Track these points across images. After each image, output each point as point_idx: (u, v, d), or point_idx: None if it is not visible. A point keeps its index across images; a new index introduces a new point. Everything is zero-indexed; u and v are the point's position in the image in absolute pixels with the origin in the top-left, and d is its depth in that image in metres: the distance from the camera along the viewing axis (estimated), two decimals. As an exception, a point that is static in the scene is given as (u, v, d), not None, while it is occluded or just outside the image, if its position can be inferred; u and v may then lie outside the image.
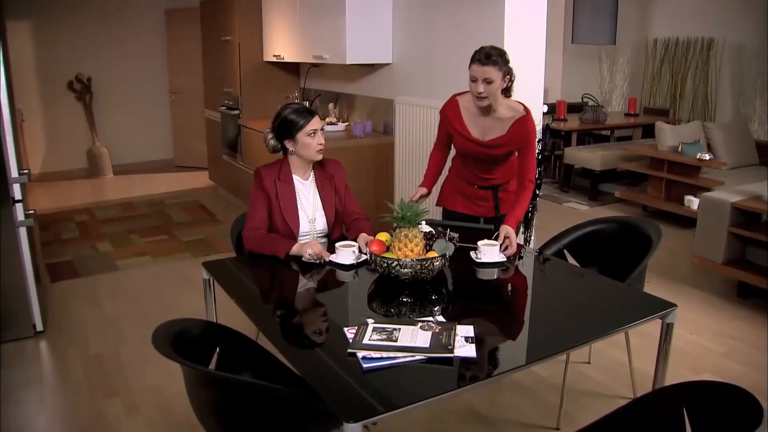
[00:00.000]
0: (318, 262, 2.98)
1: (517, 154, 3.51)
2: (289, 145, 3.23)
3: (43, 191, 8.44)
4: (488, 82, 3.24)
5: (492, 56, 3.23)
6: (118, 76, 9.45)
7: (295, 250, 3.02)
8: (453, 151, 3.77)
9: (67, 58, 9.05)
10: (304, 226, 3.24)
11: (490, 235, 3.19)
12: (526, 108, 3.44)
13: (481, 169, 3.58)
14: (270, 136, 3.28)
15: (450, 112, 3.55)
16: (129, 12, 9.35)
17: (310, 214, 3.27)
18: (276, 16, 6.68)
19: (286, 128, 3.19)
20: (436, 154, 3.75)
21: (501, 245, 3.10)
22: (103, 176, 9.38)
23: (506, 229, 3.18)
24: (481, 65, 3.23)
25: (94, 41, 9.18)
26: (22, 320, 4.15)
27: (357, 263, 2.95)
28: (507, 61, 3.31)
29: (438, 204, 3.82)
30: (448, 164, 3.81)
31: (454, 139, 3.58)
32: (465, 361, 2.07)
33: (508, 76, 3.33)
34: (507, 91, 3.43)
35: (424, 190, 3.63)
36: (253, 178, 3.28)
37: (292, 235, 3.21)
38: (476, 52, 3.27)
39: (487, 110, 3.40)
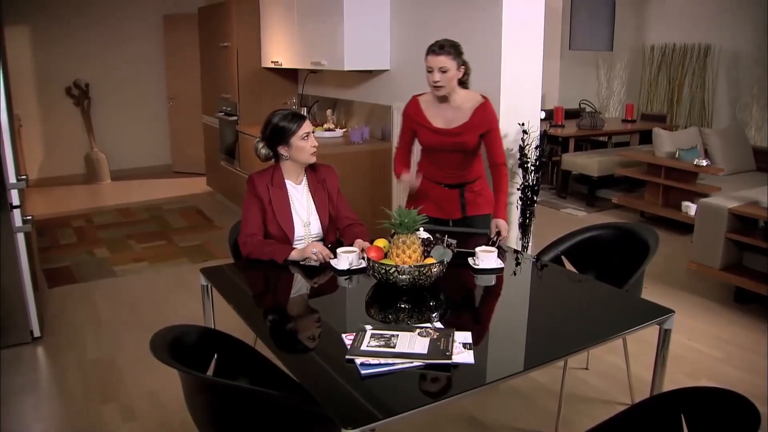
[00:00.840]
0: (322, 262, 3.01)
1: (484, 143, 3.64)
2: (283, 150, 3.23)
3: (40, 197, 8.44)
4: (443, 71, 3.43)
5: (445, 47, 3.43)
6: (116, 82, 9.46)
7: (294, 255, 3.03)
8: (419, 156, 3.86)
9: (65, 63, 9.06)
10: (299, 231, 3.25)
11: (487, 240, 3.21)
12: (484, 96, 3.62)
13: (450, 165, 3.67)
14: (261, 144, 3.28)
15: (412, 111, 3.70)
16: (127, 18, 9.36)
17: (305, 218, 3.28)
18: (274, 22, 6.69)
19: (279, 135, 3.20)
20: (401, 151, 3.82)
21: (496, 239, 3.32)
22: (101, 182, 9.38)
23: (500, 224, 3.50)
24: (435, 55, 3.43)
25: (92, 47, 9.18)
26: (19, 326, 4.14)
27: (353, 269, 2.95)
28: (461, 53, 3.50)
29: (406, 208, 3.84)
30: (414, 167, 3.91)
31: (421, 136, 3.68)
32: (463, 367, 2.07)
33: (462, 67, 3.53)
34: (464, 84, 3.61)
35: (407, 176, 3.68)
36: (246, 185, 3.29)
37: (288, 240, 3.21)
38: (431, 44, 3.48)
39: (445, 99, 3.57)
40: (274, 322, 2.59)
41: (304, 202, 3.31)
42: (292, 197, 3.29)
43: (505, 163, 3.67)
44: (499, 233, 3.44)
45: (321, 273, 2.98)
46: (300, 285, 2.97)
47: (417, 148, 3.82)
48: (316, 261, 3.01)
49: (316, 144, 3.26)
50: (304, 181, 3.35)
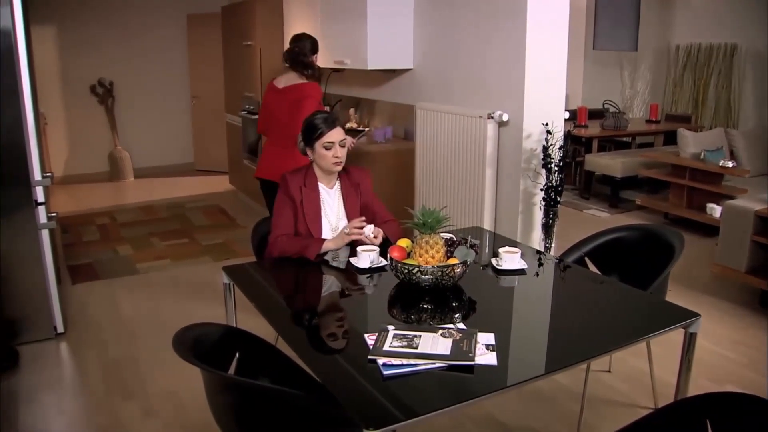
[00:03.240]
0: (361, 231, 3.08)
1: None
2: (309, 152, 3.23)
3: (65, 194, 8.52)
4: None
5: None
6: (140, 81, 9.53)
7: (329, 245, 3.05)
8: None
9: (90, 62, 9.14)
10: (326, 234, 3.24)
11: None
12: None
13: None
14: (300, 138, 3.28)
15: None
16: (151, 17, 9.42)
17: (334, 222, 3.27)
18: (297, 21, 6.70)
19: (309, 133, 3.19)
20: None
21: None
22: (124, 180, 9.45)
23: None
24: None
25: (116, 46, 9.26)
26: (42, 322, 4.18)
27: (374, 267, 2.95)
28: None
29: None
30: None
31: None
32: (485, 369, 2.06)
33: None
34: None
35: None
36: (278, 183, 3.28)
37: None
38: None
39: None
40: (295, 320, 2.59)
41: (335, 207, 3.30)
42: (323, 201, 3.28)
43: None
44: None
45: (343, 272, 2.98)
46: (322, 284, 2.97)
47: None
48: (355, 236, 3.06)
49: (340, 156, 3.20)
50: (337, 186, 3.33)
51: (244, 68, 7.55)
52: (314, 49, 4.78)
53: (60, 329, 4.27)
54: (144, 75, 9.54)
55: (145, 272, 5.57)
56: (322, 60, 6.28)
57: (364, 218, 3.16)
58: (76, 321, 4.53)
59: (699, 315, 2.46)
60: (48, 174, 4.12)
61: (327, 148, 3.16)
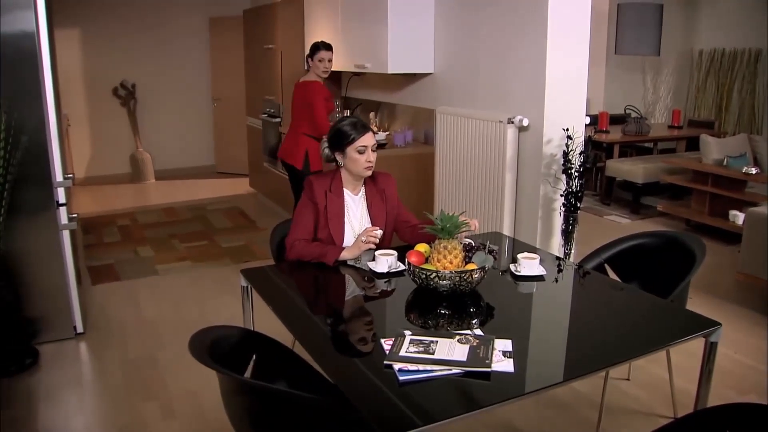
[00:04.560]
0: (376, 240, 3.06)
1: None
2: (338, 157, 3.22)
3: (86, 195, 8.59)
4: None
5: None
6: (162, 83, 9.59)
7: (345, 255, 3.04)
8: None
9: (113, 64, 9.22)
10: (349, 241, 3.22)
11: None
12: None
13: None
14: (325, 144, 3.27)
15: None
16: (173, 20, 9.49)
17: (357, 228, 3.25)
18: (318, 24, 6.71)
19: (338, 139, 3.18)
20: None
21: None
22: (146, 181, 9.51)
23: None
24: (329, 50, 5.29)
25: (139, 48, 9.33)
26: (63, 321, 4.22)
27: (392, 272, 2.94)
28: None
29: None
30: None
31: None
32: (502, 375, 2.05)
33: None
34: None
35: None
36: (303, 186, 3.27)
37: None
38: (321, 44, 5.34)
39: None
40: (312, 324, 2.59)
41: (358, 214, 3.29)
42: (347, 207, 3.26)
43: None
44: None
45: (361, 276, 2.97)
46: (341, 288, 2.97)
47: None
48: (371, 245, 3.04)
49: (372, 159, 3.19)
50: (362, 192, 3.32)
51: (265, 71, 7.58)
52: (310, 53, 5.46)
53: (80, 329, 4.30)
54: (166, 77, 9.61)
55: (165, 273, 5.60)
56: (342, 64, 6.31)
57: (378, 228, 3.14)
58: (96, 321, 4.56)
59: (720, 324, 2.43)
60: (69, 175, 4.16)
61: (360, 152, 3.15)
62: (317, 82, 5.41)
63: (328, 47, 5.37)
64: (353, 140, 3.14)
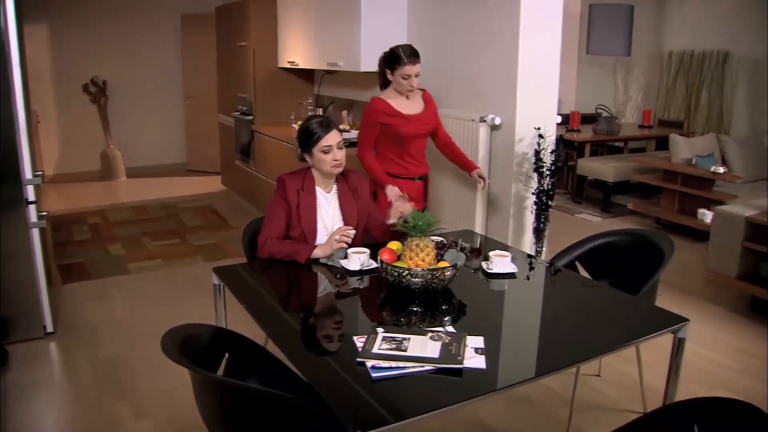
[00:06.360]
0: (349, 240, 3.08)
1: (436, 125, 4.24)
2: (307, 157, 3.22)
3: (56, 193, 8.49)
4: (417, 75, 3.95)
5: (417, 54, 3.93)
6: (133, 80, 9.51)
7: (317, 253, 3.04)
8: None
9: (83, 60, 9.11)
10: (321, 239, 3.22)
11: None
12: (421, 88, 4.18)
13: (416, 152, 4.14)
14: (296, 144, 3.27)
15: (386, 108, 4.01)
16: (145, 16, 9.41)
17: (330, 226, 3.25)
18: (291, 22, 6.70)
19: (305, 139, 3.18)
20: (371, 152, 4.12)
21: (483, 183, 4.16)
22: (116, 179, 9.43)
23: (480, 171, 4.18)
24: (413, 64, 3.90)
25: (109, 44, 9.24)
26: (32, 321, 4.17)
27: (365, 269, 2.95)
28: None
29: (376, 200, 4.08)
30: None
31: (396, 128, 4.01)
32: (474, 372, 2.06)
33: None
34: None
35: (396, 191, 3.90)
36: (275, 184, 3.26)
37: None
38: (401, 54, 3.90)
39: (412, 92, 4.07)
40: (285, 322, 2.58)
41: (331, 212, 3.28)
42: (320, 205, 3.26)
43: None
44: (483, 179, 4.15)
45: (333, 273, 2.98)
46: (312, 286, 2.97)
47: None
48: (344, 244, 3.06)
49: (339, 158, 3.19)
50: (334, 190, 3.32)
51: (237, 69, 7.54)
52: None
53: (50, 329, 4.25)
54: (137, 74, 9.52)
55: (136, 272, 5.56)
56: (315, 62, 6.29)
57: (352, 227, 3.16)
58: (67, 320, 4.51)
59: (688, 320, 2.46)
60: (39, 173, 4.11)
61: (325, 152, 3.15)
62: (373, 98, 4.15)
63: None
64: (318, 139, 3.13)
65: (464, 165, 4.26)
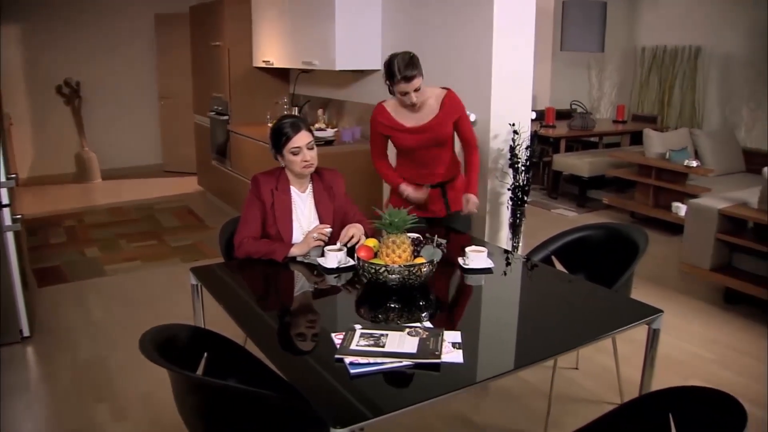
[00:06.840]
0: (325, 238, 3.10)
1: (456, 131, 3.80)
2: (279, 158, 3.22)
3: (30, 196, 8.40)
4: (417, 90, 3.53)
5: (414, 69, 3.49)
6: (107, 81, 9.43)
7: (294, 251, 3.05)
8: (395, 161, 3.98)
9: (56, 62, 9.02)
10: (297, 238, 3.22)
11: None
12: (446, 88, 3.79)
13: (428, 162, 3.79)
14: (270, 144, 3.26)
15: (383, 118, 3.78)
16: (118, 17, 9.33)
17: (305, 226, 3.25)
18: (266, 21, 6.68)
19: (275, 140, 3.18)
20: (383, 159, 3.95)
21: (466, 208, 3.75)
22: (92, 181, 9.35)
23: (469, 197, 3.75)
24: (407, 82, 3.49)
25: (83, 45, 9.16)
26: (8, 326, 4.12)
27: (342, 267, 2.96)
28: (419, 64, 3.56)
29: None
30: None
31: (395, 140, 3.80)
32: (452, 366, 2.08)
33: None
34: None
35: (409, 188, 3.80)
36: (249, 184, 3.26)
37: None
38: (395, 70, 3.48)
39: (415, 107, 3.68)
40: (263, 321, 2.59)
41: (306, 211, 3.28)
42: (295, 204, 3.26)
43: (477, 145, 3.86)
44: (467, 206, 3.76)
45: (311, 273, 2.98)
46: (290, 284, 2.97)
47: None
48: (320, 243, 3.08)
49: (309, 159, 3.18)
50: (309, 189, 3.32)
51: (212, 69, 7.51)
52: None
53: (26, 333, 4.22)
54: (111, 75, 9.45)
55: (113, 274, 5.52)
56: (290, 61, 6.28)
57: (328, 225, 3.17)
58: (44, 324, 4.48)
59: (662, 311, 2.50)
60: (13, 175, 4.07)
61: (294, 153, 3.15)
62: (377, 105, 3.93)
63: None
64: (287, 140, 3.13)
65: (467, 181, 3.83)
